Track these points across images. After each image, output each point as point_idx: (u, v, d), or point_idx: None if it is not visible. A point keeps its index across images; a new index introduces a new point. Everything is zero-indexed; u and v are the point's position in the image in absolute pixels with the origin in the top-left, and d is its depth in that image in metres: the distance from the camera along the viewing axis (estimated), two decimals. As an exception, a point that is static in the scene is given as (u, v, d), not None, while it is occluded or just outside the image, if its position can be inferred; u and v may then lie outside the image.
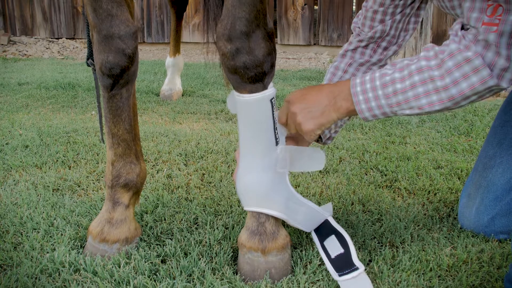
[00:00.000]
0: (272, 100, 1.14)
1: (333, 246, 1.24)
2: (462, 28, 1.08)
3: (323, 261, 1.22)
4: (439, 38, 5.06)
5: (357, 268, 1.17)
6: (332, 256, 1.22)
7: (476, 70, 1.00)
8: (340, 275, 1.16)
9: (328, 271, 1.20)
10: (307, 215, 1.26)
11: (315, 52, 5.46)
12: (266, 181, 1.18)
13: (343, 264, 1.19)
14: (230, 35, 1.07)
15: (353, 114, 1.16)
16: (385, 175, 1.83)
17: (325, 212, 1.30)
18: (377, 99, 1.10)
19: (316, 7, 5.69)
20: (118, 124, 1.25)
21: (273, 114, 1.14)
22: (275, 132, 1.16)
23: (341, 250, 1.22)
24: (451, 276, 1.21)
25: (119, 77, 1.20)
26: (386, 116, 1.14)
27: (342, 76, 1.44)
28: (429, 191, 1.69)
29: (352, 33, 1.49)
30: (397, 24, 1.39)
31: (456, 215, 1.52)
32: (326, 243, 1.26)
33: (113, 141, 1.27)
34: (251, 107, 1.13)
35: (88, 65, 1.35)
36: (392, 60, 1.20)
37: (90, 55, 1.34)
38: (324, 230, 1.29)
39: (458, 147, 2.14)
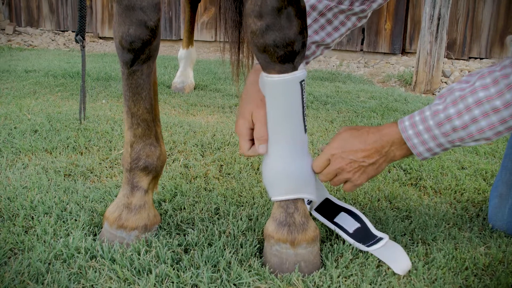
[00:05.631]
0: (302, 83, 1.06)
1: (347, 222, 1.22)
2: None
3: (355, 255, 1.16)
4: (448, 46, 5.02)
5: (381, 238, 1.15)
6: (351, 231, 1.19)
7: None
8: (368, 246, 1.14)
9: (356, 248, 1.19)
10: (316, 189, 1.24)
11: (324, 56, 5.41)
12: (299, 166, 1.11)
13: (365, 237, 1.17)
14: (260, 11, 1.01)
15: (408, 156, 1.15)
16: (409, 173, 1.77)
17: (325, 190, 1.31)
18: (435, 139, 1.06)
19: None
20: (138, 103, 1.18)
21: (302, 98, 1.07)
22: (304, 117, 1.09)
23: (358, 225, 1.21)
24: (488, 275, 1.14)
25: (140, 52, 1.12)
26: (447, 150, 1.11)
27: (317, 19, 1.30)
28: (456, 191, 1.63)
29: None
30: None
31: (486, 215, 1.46)
32: (337, 220, 1.24)
33: (132, 121, 1.20)
34: (280, 88, 1.06)
35: (77, 41, 1.27)
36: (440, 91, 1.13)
37: (80, 30, 1.25)
38: (329, 208, 1.28)
39: (480, 149, 2.08)
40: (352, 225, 1.22)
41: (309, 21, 1.30)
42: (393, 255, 1.13)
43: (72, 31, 6.10)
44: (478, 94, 1.00)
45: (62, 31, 6.10)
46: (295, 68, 1.06)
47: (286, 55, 1.03)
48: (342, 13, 1.31)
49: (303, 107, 1.08)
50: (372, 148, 1.11)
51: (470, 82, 1.04)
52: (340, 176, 1.16)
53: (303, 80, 1.07)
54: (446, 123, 1.03)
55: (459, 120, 1.02)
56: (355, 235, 1.20)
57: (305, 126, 1.11)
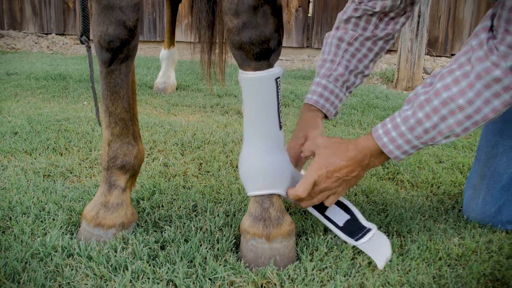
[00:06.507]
0: (278, 80, 1.08)
1: (338, 215, 1.23)
2: (490, 35, 1.01)
3: (330, 248, 1.18)
4: (430, 43, 5.08)
5: (369, 229, 1.16)
6: (341, 224, 1.20)
7: (507, 88, 0.99)
8: (356, 240, 1.15)
9: (345, 242, 1.19)
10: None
11: (308, 55, 5.44)
12: (274, 162, 1.13)
13: (355, 229, 1.18)
14: (237, 9, 1.03)
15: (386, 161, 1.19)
16: (387, 168, 1.79)
17: None
18: (409, 142, 1.11)
19: (309, 14, 5.68)
20: (116, 102, 1.19)
21: (277, 95, 1.09)
22: (279, 114, 1.11)
23: (347, 216, 1.22)
24: (461, 265, 1.17)
25: (118, 51, 1.13)
26: (421, 149, 1.14)
27: (347, 49, 1.38)
28: (432, 184, 1.66)
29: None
30: None
31: (461, 208, 1.49)
32: (328, 213, 1.24)
33: (110, 120, 1.21)
34: (255, 85, 1.08)
35: (82, 42, 1.27)
36: (408, 96, 1.16)
37: (84, 31, 1.26)
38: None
39: (458, 143, 2.12)
40: (342, 217, 1.22)
41: (340, 52, 1.38)
42: (378, 248, 1.13)
43: (56, 34, 6.05)
44: (442, 95, 1.05)
45: (45, 33, 6.05)
46: (270, 66, 1.08)
47: (262, 53, 1.05)
48: (368, 40, 1.38)
49: (278, 104, 1.10)
50: (354, 163, 1.15)
51: (432, 84, 1.09)
52: (325, 192, 1.18)
53: (279, 78, 1.09)
54: (417, 127, 1.08)
55: (429, 122, 1.07)
56: (344, 228, 1.20)
57: (280, 122, 1.12)
